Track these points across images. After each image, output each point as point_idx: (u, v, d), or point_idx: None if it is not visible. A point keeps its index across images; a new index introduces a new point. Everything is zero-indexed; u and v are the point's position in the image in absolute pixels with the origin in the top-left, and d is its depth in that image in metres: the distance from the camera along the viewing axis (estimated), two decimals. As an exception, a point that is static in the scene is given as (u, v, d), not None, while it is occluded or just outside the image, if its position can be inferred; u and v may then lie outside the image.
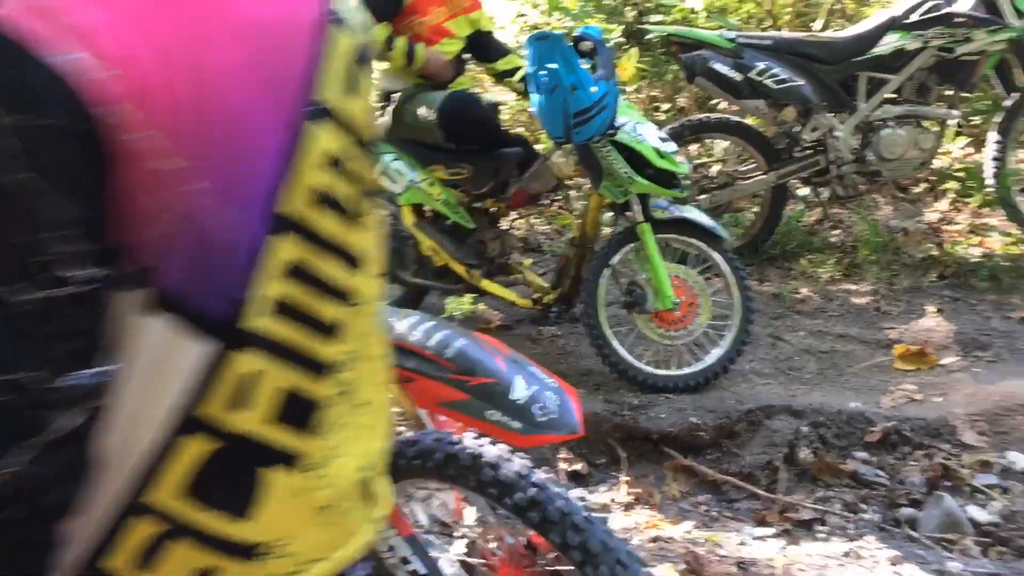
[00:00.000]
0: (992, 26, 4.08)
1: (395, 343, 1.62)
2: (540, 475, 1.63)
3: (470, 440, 1.68)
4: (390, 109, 3.90)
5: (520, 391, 1.56)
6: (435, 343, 1.60)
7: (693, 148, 5.23)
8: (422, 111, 3.77)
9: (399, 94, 3.86)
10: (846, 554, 2.51)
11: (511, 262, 3.96)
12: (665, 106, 6.19)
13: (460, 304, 3.47)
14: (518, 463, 1.64)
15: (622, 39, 6.23)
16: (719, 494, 3.17)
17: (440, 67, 3.77)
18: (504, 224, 4.06)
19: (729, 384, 3.55)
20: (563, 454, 3.31)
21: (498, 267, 3.92)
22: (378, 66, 3.96)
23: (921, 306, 4.00)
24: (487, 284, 3.84)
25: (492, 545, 1.88)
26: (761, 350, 3.79)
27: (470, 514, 1.99)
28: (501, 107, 6.13)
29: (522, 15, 6.98)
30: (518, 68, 3.98)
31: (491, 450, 1.65)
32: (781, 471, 3.16)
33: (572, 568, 1.63)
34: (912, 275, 4.24)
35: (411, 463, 1.70)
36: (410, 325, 1.64)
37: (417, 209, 3.92)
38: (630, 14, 6.70)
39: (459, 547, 1.97)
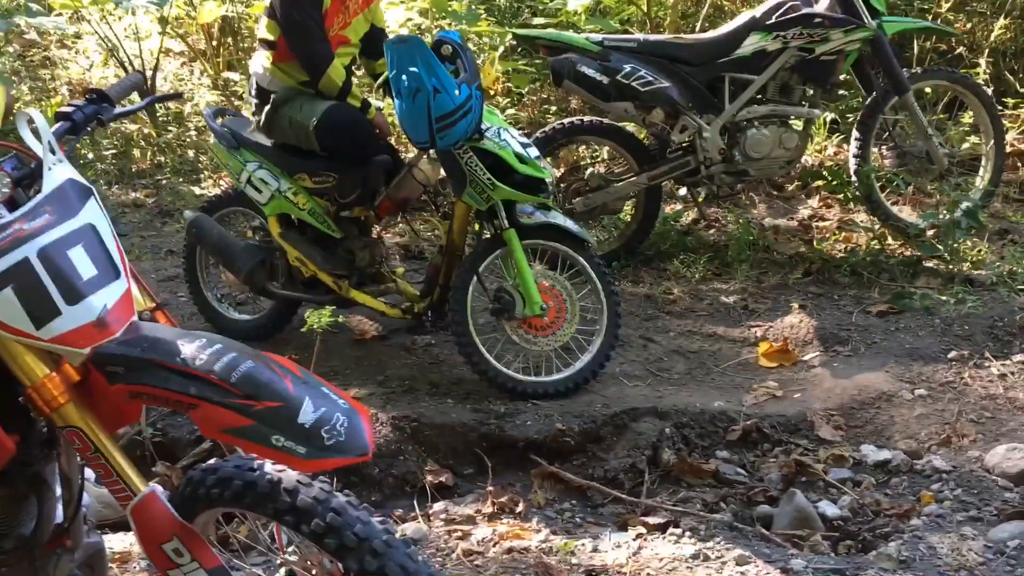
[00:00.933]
0: (848, 26, 4.18)
1: (179, 368, 1.54)
2: (340, 499, 1.58)
3: (270, 466, 1.62)
4: (266, 109, 3.75)
5: (308, 414, 1.50)
6: (220, 367, 1.53)
7: (582, 151, 5.27)
8: (300, 117, 3.66)
9: (275, 95, 3.73)
10: (695, 556, 2.51)
11: (383, 271, 3.89)
12: (554, 108, 6.19)
13: (320, 316, 3.39)
14: (317, 488, 1.58)
15: (514, 43, 6.22)
16: (585, 500, 3.16)
17: (384, 127, 3.79)
18: (375, 233, 3.99)
19: (599, 388, 3.55)
20: (430, 466, 3.26)
21: (369, 276, 3.85)
22: (258, 61, 3.80)
23: (787, 303, 4.06)
24: (356, 294, 3.77)
25: (313, 572, 1.82)
26: (632, 352, 3.81)
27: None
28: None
29: (410, 19, 6.91)
30: None
31: (290, 475, 1.59)
32: (645, 474, 3.17)
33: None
34: (780, 272, 4.32)
35: (210, 492, 1.63)
36: (196, 348, 1.56)
37: (284, 219, 3.82)
38: (523, 17, 6.70)
39: (281, 575, 1.90)
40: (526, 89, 6.23)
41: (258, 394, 1.51)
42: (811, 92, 4.38)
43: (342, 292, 3.76)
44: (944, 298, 3.94)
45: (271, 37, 3.70)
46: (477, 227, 3.80)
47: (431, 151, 3.56)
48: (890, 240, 4.42)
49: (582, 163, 4.84)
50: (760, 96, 4.33)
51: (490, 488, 3.11)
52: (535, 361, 3.57)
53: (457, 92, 3.30)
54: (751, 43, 4.22)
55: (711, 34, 4.49)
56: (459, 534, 2.83)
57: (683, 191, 5.04)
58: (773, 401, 3.39)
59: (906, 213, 4.60)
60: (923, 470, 2.97)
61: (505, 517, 2.98)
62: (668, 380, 3.62)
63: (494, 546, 2.68)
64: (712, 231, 4.80)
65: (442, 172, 3.69)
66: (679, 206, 5.07)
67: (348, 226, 3.82)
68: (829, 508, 2.82)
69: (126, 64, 6.56)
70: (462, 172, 3.45)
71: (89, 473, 1.97)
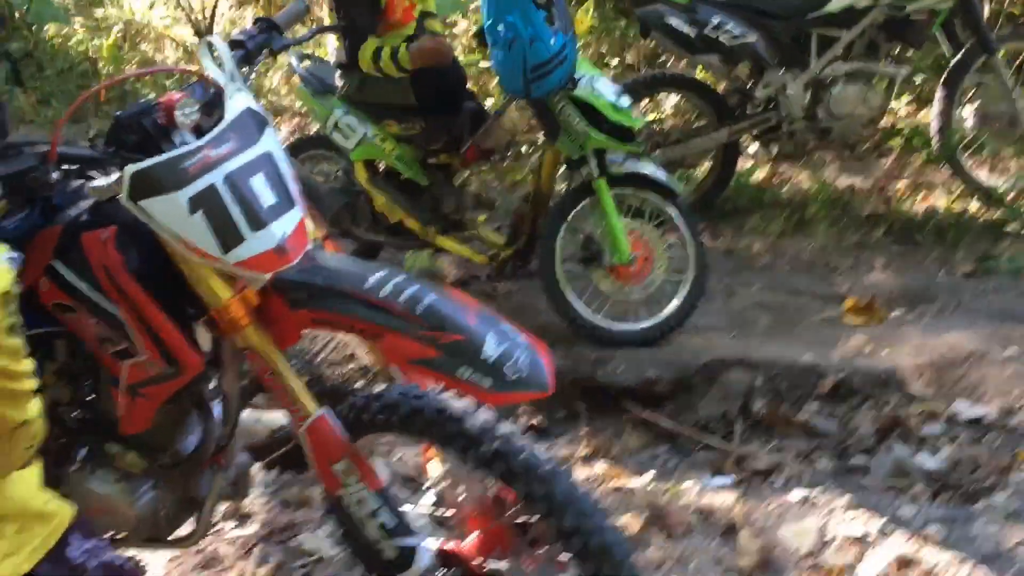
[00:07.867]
0: (941, -17, 4.12)
1: (365, 298, 1.59)
2: (505, 427, 1.63)
3: (435, 394, 1.66)
4: (357, 74, 3.76)
5: (491, 348, 1.54)
6: (405, 299, 1.57)
7: (644, 103, 5.23)
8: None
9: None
10: (802, 501, 2.56)
11: (466, 218, 3.93)
12: (613, 61, 6.15)
13: (419, 259, 3.43)
14: (483, 416, 1.63)
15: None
16: (676, 446, 3.22)
17: (432, 52, 3.54)
18: (459, 180, 4.02)
19: (685, 338, 3.57)
20: (523, 408, 3.32)
21: (453, 223, 3.88)
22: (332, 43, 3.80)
23: (869, 261, 4.06)
24: (443, 240, 3.81)
25: (460, 498, 1.88)
26: (716, 304, 3.83)
27: (435, 468, 1.98)
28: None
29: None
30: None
31: (456, 404, 1.64)
32: (737, 423, 3.22)
33: (537, 519, 1.64)
34: (859, 231, 4.31)
35: (376, 418, 1.69)
36: (380, 280, 1.61)
37: (370, 165, 3.86)
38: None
39: (428, 499, 1.96)
40: (583, 41, 6.18)
41: (442, 326, 1.55)
42: (896, 50, 4.34)
43: (428, 238, 3.80)
44: (1030, 262, 3.91)
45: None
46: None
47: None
48: (970, 202, 4.40)
49: (662, 116, 4.83)
50: (846, 53, 4.29)
51: (584, 431, 3.17)
52: (621, 310, 3.61)
53: (552, 41, 3.30)
54: (841, -1, 4.17)
55: (801, -12, 4.43)
56: (559, 474, 2.88)
57: (753, 148, 5.02)
58: (862, 357, 3.40)
59: (983, 176, 4.57)
60: (1018, 427, 2.98)
61: (599, 460, 3.05)
62: (753, 333, 3.64)
63: (599, 485, 2.74)
64: (786, 188, 4.78)
65: (529, 121, 3.70)
66: (749, 163, 5.05)
67: (433, 173, 3.84)
68: (928, 460, 2.84)
69: (184, 6, 6.57)
70: (555, 120, 3.46)
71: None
